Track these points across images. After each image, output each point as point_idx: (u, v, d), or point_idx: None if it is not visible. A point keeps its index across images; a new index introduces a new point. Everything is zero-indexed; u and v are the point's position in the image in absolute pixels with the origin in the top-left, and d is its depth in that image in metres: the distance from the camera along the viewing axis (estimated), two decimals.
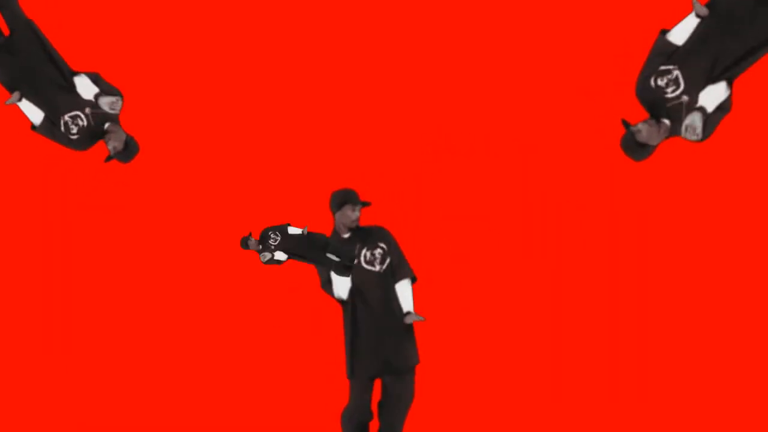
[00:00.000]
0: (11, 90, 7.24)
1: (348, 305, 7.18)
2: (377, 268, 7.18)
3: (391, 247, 7.22)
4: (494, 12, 8.18)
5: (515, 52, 8.16)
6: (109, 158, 7.23)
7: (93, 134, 7.29)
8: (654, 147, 6.78)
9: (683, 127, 6.72)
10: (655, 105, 6.74)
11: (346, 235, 7.22)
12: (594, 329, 8.12)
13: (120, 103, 7.30)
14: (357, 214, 7.19)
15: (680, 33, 6.78)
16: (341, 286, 7.15)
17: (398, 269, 7.21)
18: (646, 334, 8.07)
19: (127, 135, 7.28)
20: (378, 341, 7.11)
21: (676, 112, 6.71)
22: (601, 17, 8.00)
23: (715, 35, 6.66)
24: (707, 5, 6.68)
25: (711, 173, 7.97)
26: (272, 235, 7.11)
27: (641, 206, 8.05)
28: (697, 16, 6.69)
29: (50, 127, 7.26)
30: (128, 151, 7.27)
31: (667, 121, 6.75)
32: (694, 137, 6.70)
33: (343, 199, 7.19)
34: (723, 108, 6.75)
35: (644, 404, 8.05)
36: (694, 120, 6.66)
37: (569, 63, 8.06)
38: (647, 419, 8.01)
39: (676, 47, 6.75)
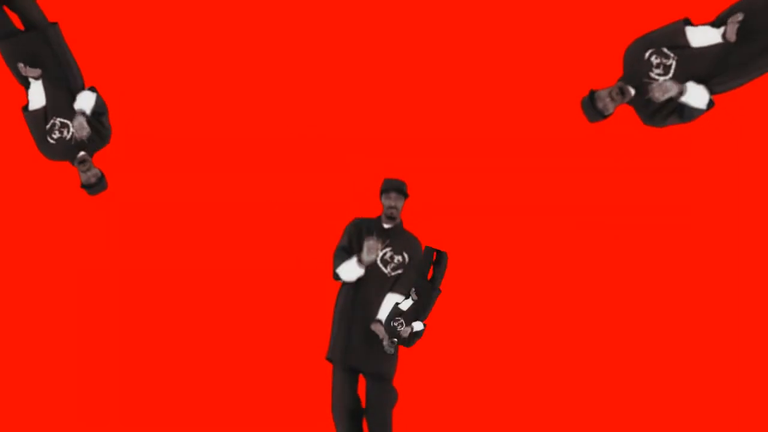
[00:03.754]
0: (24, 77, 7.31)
1: (343, 288, 7.18)
2: (387, 270, 7.19)
3: (411, 262, 7.22)
4: (495, 12, 8.20)
5: (516, 52, 8.18)
6: (81, 186, 7.36)
7: (67, 151, 7.38)
8: (611, 113, 6.91)
9: (657, 83, 6.79)
10: (634, 72, 6.82)
11: (387, 225, 7.22)
12: (594, 330, 8.13)
13: (85, 132, 7.33)
14: (390, 202, 7.19)
15: (699, 37, 6.83)
16: (351, 272, 7.13)
17: (401, 283, 7.20)
18: (646, 334, 8.08)
19: (99, 171, 7.41)
20: (358, 338, 7.13)
21: (647, 88, 6.82)
22: (601, 17, 8.02)
23: (728, 59, 6.74)
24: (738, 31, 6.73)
25: (712, 173, 7.99)
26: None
27: (643, 206, 8.07)
28: (724, 38, 6.75)
29: (40, 118, 7.32)
30: (98, 185, 7.39)
31: (632, 90, 6.84)
32: (658, 94, 6.77)
33: (381, 187, 7.27)
34: (688, 113, 6.86)
35: (644, 404, 8.06)
36: (672, 86, 6.73)
37: (570, 63, 8.08)
38: (647, 419, 8.02)
39: (688, 45, 6.80)
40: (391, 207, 7.21)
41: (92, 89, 7.45)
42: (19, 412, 8.07)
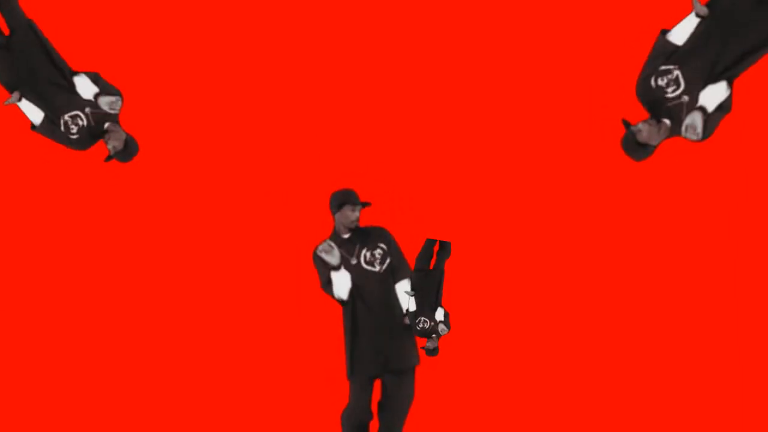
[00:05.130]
0: (11, 89, 7.20)
1: (348, 305, 7.20)
2: (377, 268, 7.21)
3: (390, 247, 7.26)
4: (494, 12, 8.20)
5: (516, 51, 8.18)
6: (109, 158, 7.20)
7: (93, 134, 7.24)
8: (654, 147, 6.80)
9: (683, 127, 6.74)
10: (655, 105, 6.76)
11: (346, 236, 7.24)
12: (594, 330, 8.14)
13: (120, 102, 7.27)
14: (356, 214, 7.22)
15: (680, 33, 6.78)
16: (341, 286, 7.17)
17: (398, 269, 7.24)
18: (645, 334, 8.09)
19: (127, 135, 7.25)
20: (378, 341, 7.14)
21: (677, 112, 6.73)
22: (601, 17, 8.02)
23: (716, 35, 6.66)
24: (707, 5, 6.68)
25: (712, 173, 7.99)
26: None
27: (643, 206, 8.08)
28: (697, 16, 6.70)
29: (50, 126, 7.23)
30: (128, 150, 7.24)
31: (667, 121, 6.76)
32: (695, 137, 6.71)
33: (343, 199, 7.22)
34: (723, 108, 6.75)
35: (644, 404, 8.06)
36: (694, 120, 6.67)
37: (570, 63, 8.08)
38: (646, 418, 8.02)
39: (677, 47, 6.76)
40: (355, 220, 7.22)
41: (77, 73, 7.29)
42: (19, 412, 8.09)
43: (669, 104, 6.74)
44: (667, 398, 8.01)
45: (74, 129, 7.21)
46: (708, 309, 8.03)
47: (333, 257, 7.12)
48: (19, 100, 7.16)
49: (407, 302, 7.08)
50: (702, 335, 8.03)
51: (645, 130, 6.73)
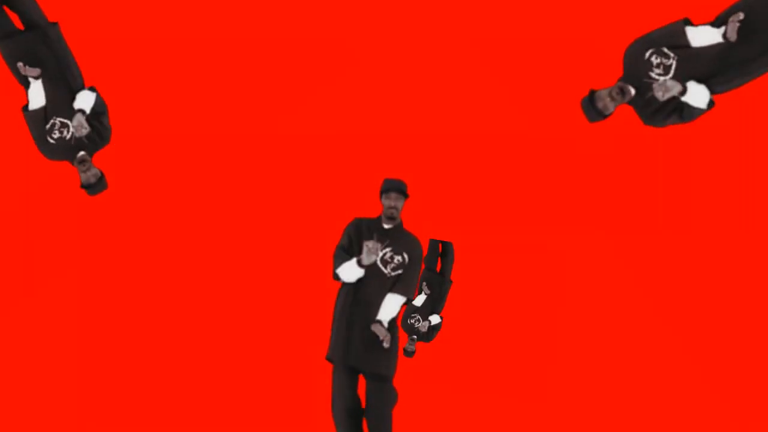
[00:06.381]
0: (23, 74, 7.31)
1: (343, 290, 7.18)
2: (387, 270, 7.17)
3: (411, 262, 7.19)
4: (495, 12, 8.19)
5: (516, 52, 8.17)
6: (81, 186, 7.36)
7: (67, 151, 7.37)
8: (611, 112, 6.90)
9: (659, 81, 6.79)
10: (634, 72, 6.82)
11: (387, 226, 7.21)
12: (594, 331, 8.12)
13: (85, 131, 7.32)
14: (390, 202, 7.16)
15: (700, 37, 6.82)
16: (351, 274, 7.11)
17: (402, 283, 7.18)
18: (644, 335, 8.07)
19: (99, 170, 7.39)
20: (358, 338, 7.12)
21: (647, 89, 6.80)
22: (601, 17, 8.01)
23: (728, 58, 6.72)
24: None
25: (712, 173, 7.96)
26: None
27: (642, 206, 8.05)
28: (724, 38, 6.73)
29: (39, 118, 7.33)
30: (98, 185, 7.37)
31: (632, 90, 6.84)
32: (659, 93, 6.76)
33: (382, 187, 7.23)
34: (688, 113, 6.82)
35: (644, 404, 8.04)
36: (674, 85, 6.73)
37: (569, 63, 8.06)
38: (646, 418, 8.00)
39: (688, 44, 6.80)
40: (391, 207, 7.20)
41: (92, 89, 7.47)
42: (19, 413, 8.11)
43: (646, 80, 6.81)
44: (663, 399, 7.98)
45: (56, 135, 7.35)
46: (707, 309, 8.00)
47: (368, 258, 7.07)
48: (37, 77, 7.26)
49: (385, 312, 7.07)
50: (701, 334, 8.00)
51: (612, 107, 6.85)
